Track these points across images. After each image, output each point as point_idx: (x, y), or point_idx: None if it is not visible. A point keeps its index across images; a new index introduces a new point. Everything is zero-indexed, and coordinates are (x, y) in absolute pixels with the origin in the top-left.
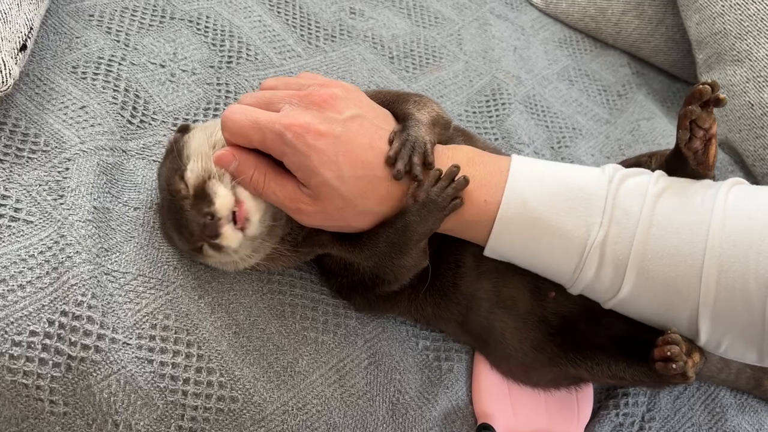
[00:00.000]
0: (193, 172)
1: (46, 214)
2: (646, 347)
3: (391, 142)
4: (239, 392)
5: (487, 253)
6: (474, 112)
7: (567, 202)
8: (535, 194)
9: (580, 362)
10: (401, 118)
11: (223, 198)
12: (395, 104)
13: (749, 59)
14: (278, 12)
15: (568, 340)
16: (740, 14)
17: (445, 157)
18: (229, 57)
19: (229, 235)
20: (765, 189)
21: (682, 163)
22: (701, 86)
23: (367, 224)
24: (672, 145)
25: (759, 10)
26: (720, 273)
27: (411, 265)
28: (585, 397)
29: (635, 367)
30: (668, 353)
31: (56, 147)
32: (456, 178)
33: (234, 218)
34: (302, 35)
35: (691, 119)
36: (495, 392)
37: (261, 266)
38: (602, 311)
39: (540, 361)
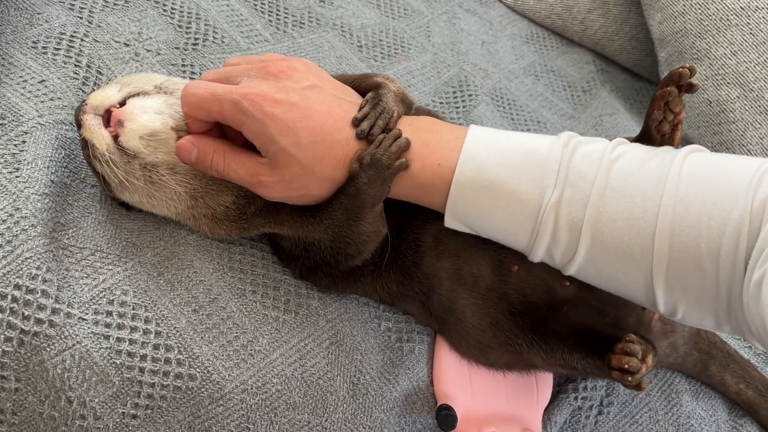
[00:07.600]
0: (124, 81)
1: (0, 187)
2: (602, 343)
3: (362, 107)
4: (197, 370)
5: (447, 221)
6: (441, 103)
7: (521, 165)
8: (490, 158)
9: (536, 345)
10: (372, 88)
11: (103, 91)
12: (361, 81)
13: (708, 58)
14: None
15: (528, 322)
16: (700, 13)
17: (405, 124)
18: (195, 39)
19: (93, 130)
20: (722, 156)
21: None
22: (681, 69)
23: (326, 192)
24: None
25: (718, 9)
26: (672, 237)
27: (370, 232)
28: (544, 380)
29: (588, 359)
30: (626, 365)
31: (13, 120)
32: (399, 139)
33: (110, 119)
34: (270, 21)
35: (666, 101)
36: (455, 374)
37: (192, 221)
38: (565, 298)
39: (497, 340)
